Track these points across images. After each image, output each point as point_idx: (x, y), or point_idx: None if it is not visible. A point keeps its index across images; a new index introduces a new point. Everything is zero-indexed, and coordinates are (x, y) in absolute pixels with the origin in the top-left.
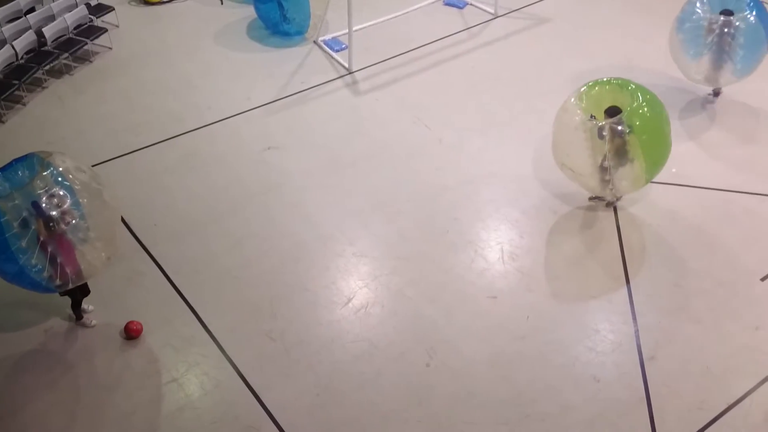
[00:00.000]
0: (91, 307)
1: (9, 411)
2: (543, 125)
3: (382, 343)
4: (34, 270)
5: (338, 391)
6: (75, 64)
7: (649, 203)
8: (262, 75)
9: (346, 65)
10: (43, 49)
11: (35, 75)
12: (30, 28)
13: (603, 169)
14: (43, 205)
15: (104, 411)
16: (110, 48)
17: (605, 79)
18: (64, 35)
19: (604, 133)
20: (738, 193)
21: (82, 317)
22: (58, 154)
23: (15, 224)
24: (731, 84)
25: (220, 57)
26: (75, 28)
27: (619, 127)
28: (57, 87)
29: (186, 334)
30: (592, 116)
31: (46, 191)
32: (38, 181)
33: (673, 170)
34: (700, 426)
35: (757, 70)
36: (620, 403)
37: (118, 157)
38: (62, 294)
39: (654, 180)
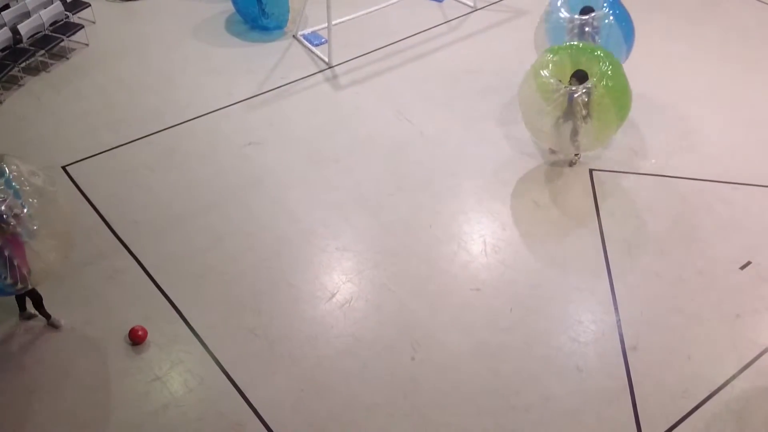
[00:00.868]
0: (62, 321)
1: None
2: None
3: (366, 338)
4: None
5: (323, 385)
6: (51, 62)
7: (629, 195)
8: (242, 70)
9: (326, 59)
10: (18, 46)
11: (11, 73)
12: (5, 25)
13: (573, 130)
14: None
15: (87, 410)
16: (87, 44)
17: (567, 45)
18: (40, 32)
19: (575, 96)
20: (716, 183)
21: (50, 317)
22: (10, 158)
23: None
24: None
25: (198, 52)
26: (51, 25)
27: (584, 92)
28: (33, 85)
29: (168, 332)
30: (560, 81)
31: (2, 199)
32: None
33: (653, 161)
34: (683, 414)
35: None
36: (603, 393)
37: (98, 154)
38: (22, 295)
39: (633, 171)
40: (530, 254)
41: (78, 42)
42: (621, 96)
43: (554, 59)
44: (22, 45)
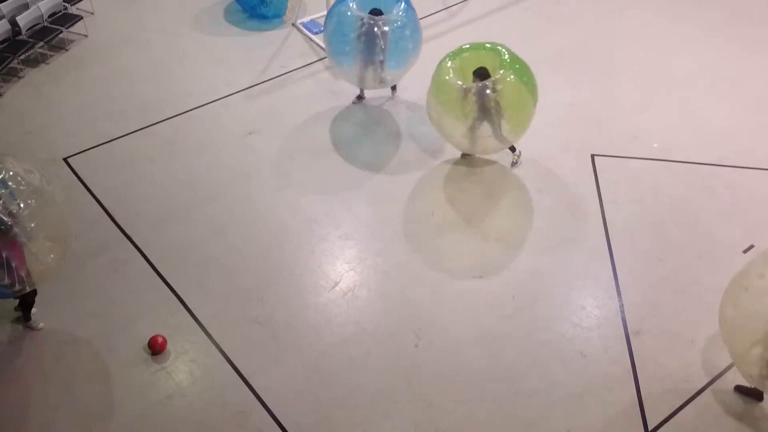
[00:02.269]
0: (41, 324)
1: None
2: None
3: (369, 326)
4: None
5: (327, 373)
6: (51, 53)
7: (631, 179)
8: (241, 59)
9: (325, 48)
10: (17, 38)
11: (11, 65)
12: (4, 17)
13: (472, 128)
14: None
15: (92, 401)
16: (86, 35)
17: (474, 44)
18: (39, 24)
19: (473, 93)
20: (718, 167)
21: (30, 319)
22: (4, 157)
23: None
24: (387, 83)
25: (197, 42)
26: (49, 17)
27: (487, 91)
28: (33, 76)
29: (173, 322)
30: (462, 79)
31: None
32: None
33: (655, 145)
34: (687, 398)
35: None
36: (607, 378)
37: (98, 145)
38: (17, 298)
39: (635, 156)
40: (532, 241)
41: (77, 33)
42: (527, 78)
43: (453, 65)
44: (21, 37)
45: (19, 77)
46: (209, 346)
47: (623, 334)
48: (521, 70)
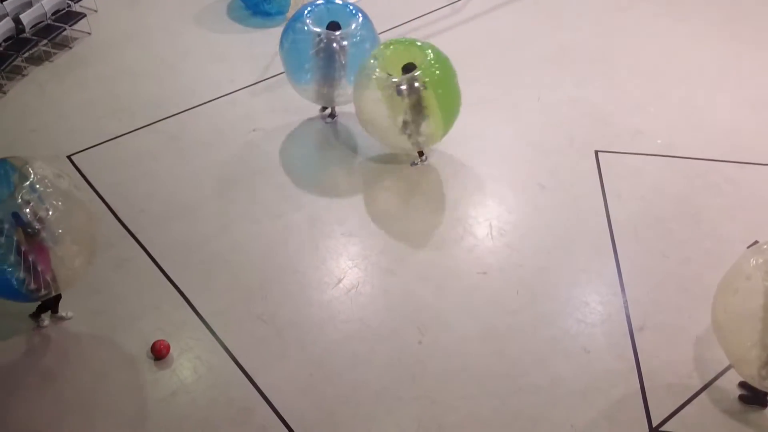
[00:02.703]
0: (70, 314)
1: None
2: (528, 100)
3: (373, 322)
4: (16, 279)
5: (331, 370)
6: (54, 51)
7: (635, 175)
8: (245, 56)
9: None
10: (21, 36)
11: (15, 63)
12: (7, 15)
13: (403, 125)
14: (24, 214)
15: (96, 398)
16: (89, 33)
17: (399, 39)
18: (42, 21)
19: (402, 88)
20: (722, 162)
21: (39, 317)
22: (35, 160)
23: None
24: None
25: (201, 39)
26: (53, 14)
27: (416, 84)
28: (37, 74)
29: (176, 319)
30: (389, 74)
31: (26, 201)
32: (18, 193)
33: (658, 141)
34: (691, 394)
35: None
36: (611, 374)
37: (102, 143)
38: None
39: (639, 151)
40: (536, 237)
41: (80, 31)
42: (450, 75)
43: (379, 63)
44: (24, 35)
45: (23, 75)
46: (213, 343)
47: (627, 330)
48: (446, 67)
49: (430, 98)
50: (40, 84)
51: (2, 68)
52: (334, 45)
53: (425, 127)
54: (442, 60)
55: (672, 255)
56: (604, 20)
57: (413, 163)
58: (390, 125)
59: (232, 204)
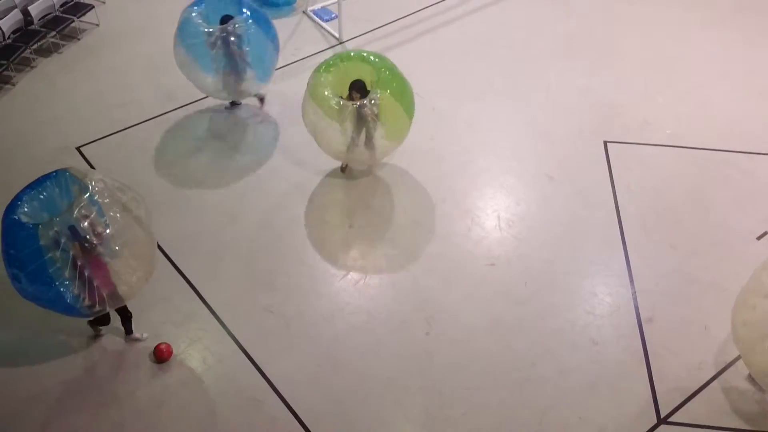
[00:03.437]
0: (145, 335)
1: None
2: (536, 91)
3: (381, 314)
4: (70, 295)
5: (339, 361)
6: (63, 42)
7: (644, 166)
8: None
9: (337, 35)
10: (29, 28)
11: (23, 55)
12: (16, 7)
13: (353, 142)
14: (81, 228)
15: (107, 390)
16: (97, 25)
17: (349, 54)
18: (51, 13)
19: (365, 110)
20: (731, 153)
21: (132, 332)
22: (94, 173)
23: (52, 249)
24: (257, 90)
25: None
26: (61, 6)
27: (365, 108)
28: (46, 66)
29: (186, 310)
30: (341, 97)
31: (84, 215)
32: (76, 205)
33: (668, 132)
34: (700, 385)
35: None
36: (619, 365)
37: (111, 134)
38: (95, 317)
39: (648, 142)
40: (544, 228)
41: (89, 22)
42: (405, 93)
43: (329, 78)
44: (33, 27)
45: (32, 67)
46: (222, 334)
47: (635, 322)
48: (398, 86)
49: (386, 109)
50: (49, 75)
51: (11, 60)
52: (231, 38)
53: (371, 143)
54: (394, 80)
55: (681, 246)
56: (613, 10)
57: (343, 169)
58: (349, 145)
59: (240, 195)
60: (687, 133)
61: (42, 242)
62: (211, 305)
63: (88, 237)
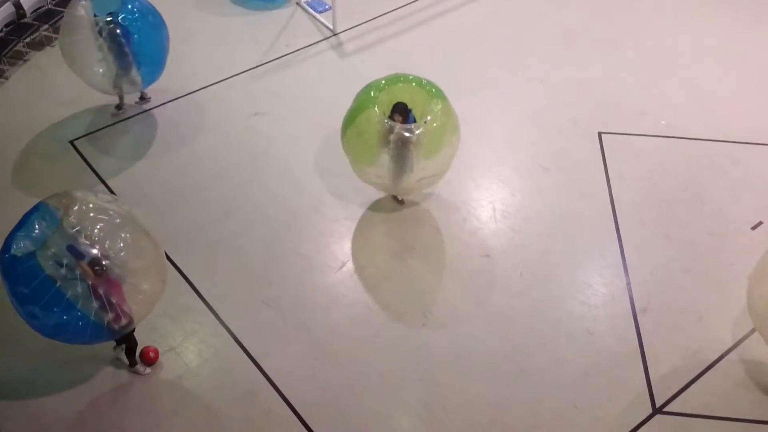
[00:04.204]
0: (148, 370)
1: None
2: (532, 82)
3: (377, 306)
4: (92, 314)
5: (336, 353)
6: (56, 36)
7: (638, 157)
8: (246, 39)
9: (331, 27)
10: (22, 21)
11: (16, 48)
12: (8, 0)
13: (396, 171)
14: (80, 245)
15: (103, 382)
16: None
17: (394, 77)
18: (43, 6)
19: (406, 135)
20: (726, 143)
21: (136, 363)
22: (77, 192)
23: (59, 276)
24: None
25: (201, 22)
26: None
27: (407, 134)
28: (39, 59)
29: (181, 303)
30: (388, 119)
31: (78, 231)
32: (66, 226)
33: (662, 122)
34: (695, 374)
35: None
36: (614, 355)
37: (104, 128)
38: (119, 340)
39: (643, 132)
40: (540, 219)
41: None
42: (450, 118)
43: (375, 99)
44: (25, 20)
45: (25, 60)
46: (218, 326)
47: (630, 312)
48: (444, 109)
49: (422, 144)
50: (42, 69)
51: (3, 53)
52: (118, 30)
53: (429, 163)
54: (439, 101)
55: (675, 236)
56: (607, 1)
57: (400, 200)
58: (374, 169)
59: (235, 188)
60: (682, 123)
61: (47, 272)
62: (206, 298)
63: (90, 253)
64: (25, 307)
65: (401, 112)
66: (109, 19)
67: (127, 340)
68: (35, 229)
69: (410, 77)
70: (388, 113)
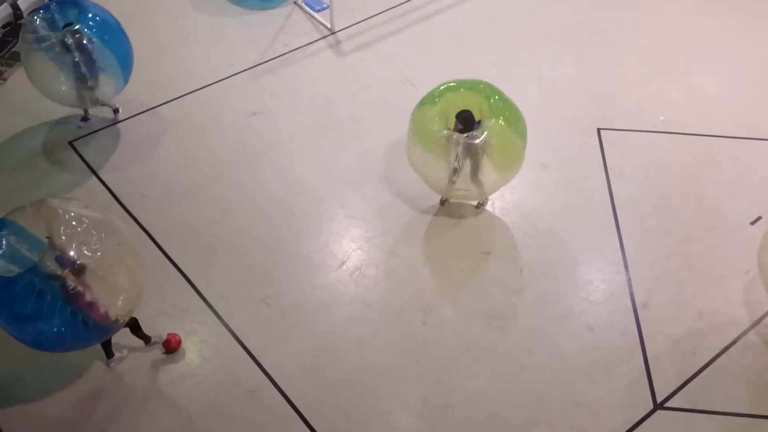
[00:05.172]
0: (125, 351)
1: None
2: (529, 78)
3: (377, 304)
4: (84, 321)
5: (336, 352)
6: None
7: (637, 153)
8: (243, 39)
9: (329, 25)
10: (19, 22)
11: (13, 49)
12: (4, 1)
13: (454, 175)
14: (68, 256)
15: (103, 383)
16: None
17: (458, 84)
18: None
19: (473, 142)
20: (725, 138)
21: (149, 338)
22: (52, 200)
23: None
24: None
25: (198, 21)
26: None
27: (476, 141)
28: None
29: (180, 303)
30: (449, 129)
31: (67, 242)
32: (56, 236)
33: (661, 118)
34: (695, 370)
35: None
36: (615, 351)
37: (103, 128)
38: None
39: (641, 129)
40: (539, 216)
41: None
42: (516, 122)
43: (433, 111)
44: (22, 21)
45: (22, 61)
46: (218, 325)
47: (630, 308)
48: (511, 115)
49: (489, 150)
50: None
51: (1, 55)
52: (84, 42)
53: (478, 179)
54: (506, 109)
55: (675, 232)
56: None
57: (479, 205)
58: (441, 174)
59: (233, 188)
60: (680, 119)
61: (38, 287)
62: (206, 297)
63: (81, 262)
64: (26, 329)
65: (464, 121)
66: (65, 31)
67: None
68: (13, 247)
69: (457, 84)
70: (452, 121)
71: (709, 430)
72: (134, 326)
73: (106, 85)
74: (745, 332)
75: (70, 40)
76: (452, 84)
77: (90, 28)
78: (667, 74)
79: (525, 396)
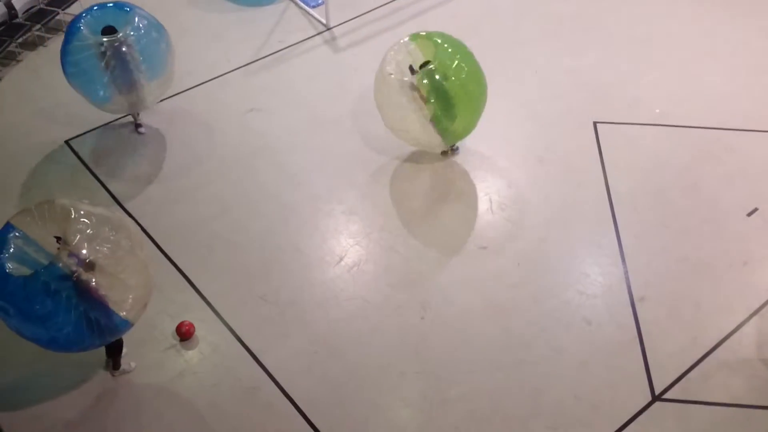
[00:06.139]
0: (133, 364)
1: None
2: (525, 72)
3: (376, 300)
4: (91, 319)
5: (335, 348)
6: (48, 35)
7: (634, 145)
8: (239, 36)
9: (324, 21)
10: (14, 21)
11: (9, 49)
12: (0, 0)
13: (431, 122)
14: (81, 254)
15: (104, 380)
16: None
17: (419, 34)
18: (35, 6)
19: (424, 82)
20: (720, 130)
21: (120, 366)
22: (62, 200)
23: (64, 289)
24: (159, 100)
25: (195, 19)
26: None
27: (436, 76)
28: (32, 60)
29: (180, 301)
30: (411, 66)
31: (80, 241)
32: (72, 236)
33: (657, 111)
34: (693, 362)
35: None
36: (613, 344)
37: (99, 127)
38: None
39: (637, 121)
40: (536, 210)
41: (74, 14)
42: (474, 69)
43: (398, 58)
44: (18, 20)
45: (18, 61)
46: (217, 323)
47: (628, 300)
48: (464, 56)
49: (453, 91)
50: (35, 69)
51: None
52: (123, 49)
53: (454, 120)
54: (464, 54)
55: (672, 224)
56: None
57: (444, 152)
58: (420, 126)
59: (232, 185)
60: (676, 111)
61: (53, 287)
62: (205, 295)
63: (86, 257)
64: (43, 327)
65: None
66: (112, 38)
67: (116, 342)
68: (10, 248)
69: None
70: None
71: (707, 421)
72: (118, 348)
73: (153, 84)
74: (742, 324)
75: (117, 45)
76: (417, 34)
77: (133, 27)
78: (663, 66)
79: (524, 390)
